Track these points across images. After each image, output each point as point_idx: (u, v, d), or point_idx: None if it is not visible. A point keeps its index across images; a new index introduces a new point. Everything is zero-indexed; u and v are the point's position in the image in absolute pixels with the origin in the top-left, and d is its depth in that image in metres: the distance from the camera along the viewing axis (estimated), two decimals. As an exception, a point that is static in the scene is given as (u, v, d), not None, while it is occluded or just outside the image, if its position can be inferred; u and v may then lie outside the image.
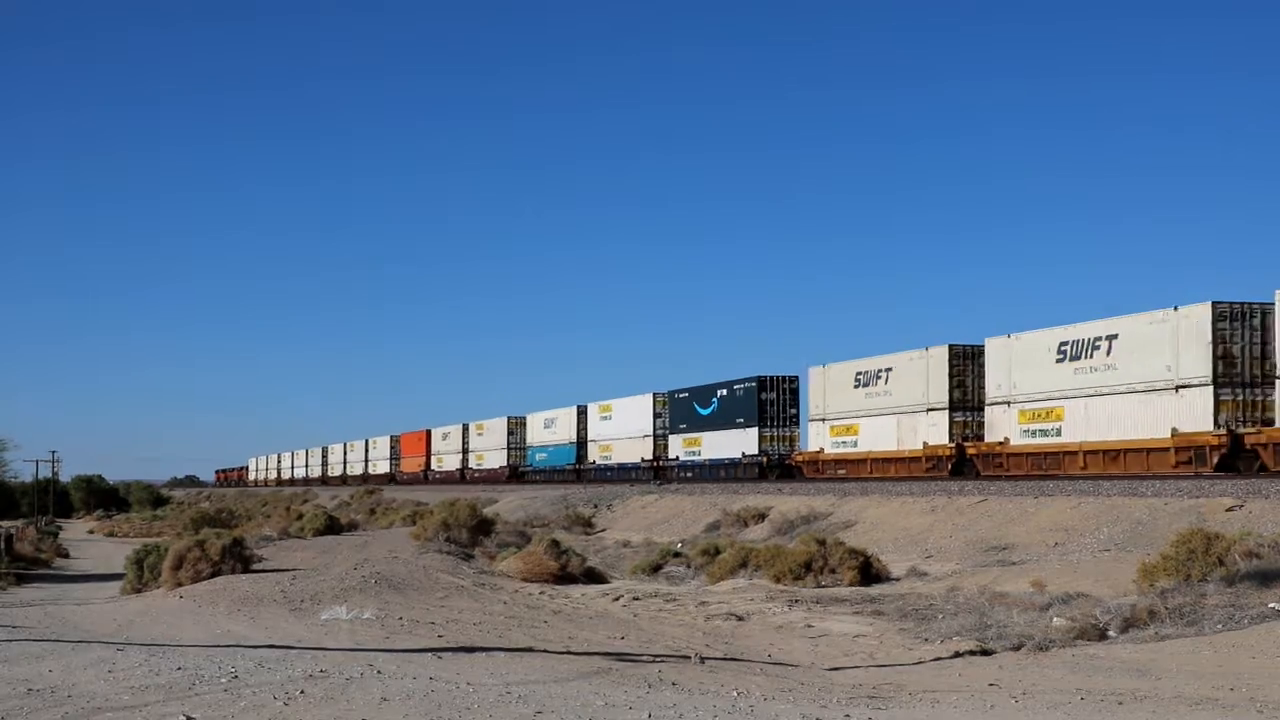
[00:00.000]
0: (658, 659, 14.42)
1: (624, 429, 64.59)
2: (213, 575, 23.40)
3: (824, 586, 22.50)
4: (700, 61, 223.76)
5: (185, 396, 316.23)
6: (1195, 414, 30.82)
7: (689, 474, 56.56)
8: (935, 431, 41.28)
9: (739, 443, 52.94)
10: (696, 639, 16.71)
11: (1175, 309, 31.82)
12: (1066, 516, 26.00)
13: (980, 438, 39.60)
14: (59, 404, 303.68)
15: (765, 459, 51.44)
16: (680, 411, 58.99)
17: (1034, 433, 36.60)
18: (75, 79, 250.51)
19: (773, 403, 51.85)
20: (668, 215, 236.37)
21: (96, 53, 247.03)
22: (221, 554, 24.04)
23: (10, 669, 12.01)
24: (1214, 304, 30.65)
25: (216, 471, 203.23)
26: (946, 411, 40.77)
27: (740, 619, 18.90)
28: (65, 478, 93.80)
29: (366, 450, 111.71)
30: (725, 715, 10.10)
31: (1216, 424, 30.29)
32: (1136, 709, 10.83)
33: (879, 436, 44.31)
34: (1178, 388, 31.38)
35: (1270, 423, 29.78)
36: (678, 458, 58.52)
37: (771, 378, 52.13)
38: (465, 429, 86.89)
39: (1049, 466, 35.81)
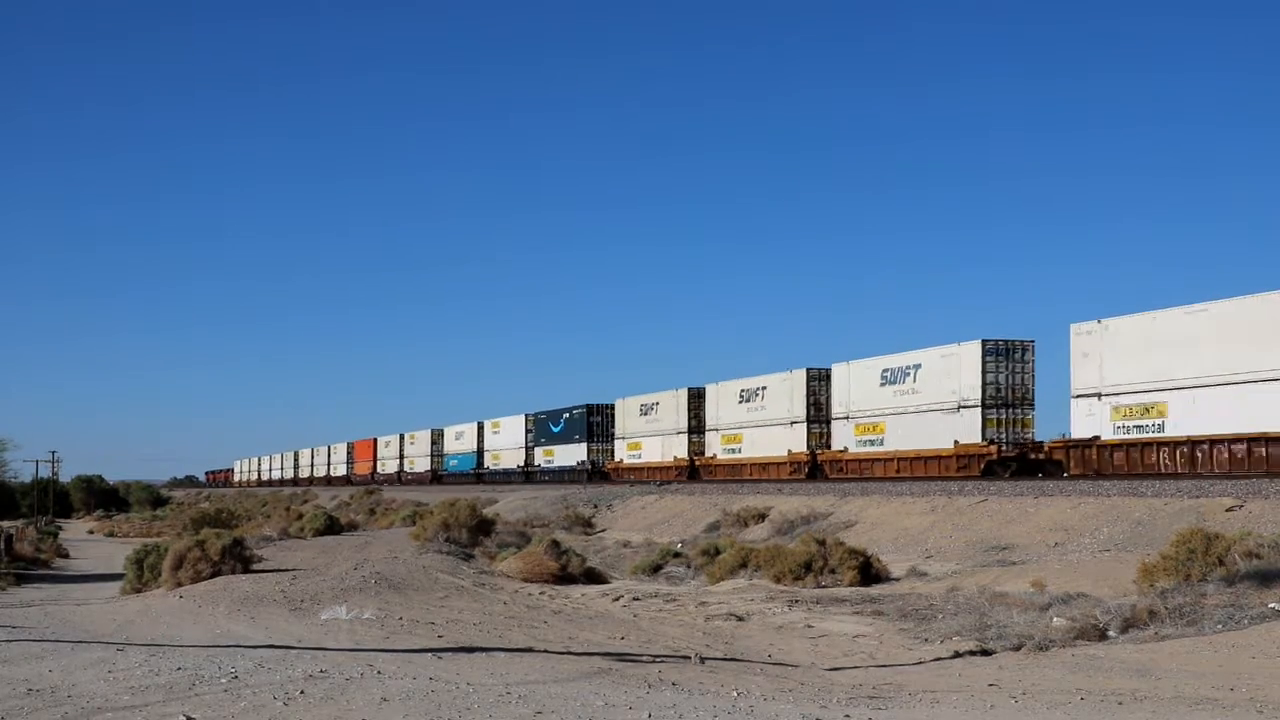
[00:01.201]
0: (658, 659, 14.42)
1: (507, 441, 79.23)
2: (213, 575, 23.40)
3: (824, 587, 22.50)
4: (697, 61, 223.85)
5: (185, 397, 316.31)
6: (799, 440, 47.98)
7: (546, 477, 71.68)
8: (681, 449, 57.57)
9: (575, 454, 68.91)
10: (696, 639, 16.71)
11: (790, 372, 48.88)
12: (1066, 516, 26.02)
13: (703, 453, 56.01)
14: (59, 404, 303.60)
15: (591, 466, 66.73)
16: (541, 429, 74.30)
17: (730, 450, 53.11)
18: (75, 79, 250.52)
19: (598, 424, 67.58)
20: (661, 216, 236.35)
21: (97, 52, 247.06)
22: (221, 554, 24.03)
23: (10, 669, 12.02)
24: (809, 370, 47.77)
25: (207, 473, 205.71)
26: (687, 434, 57.01)
27: (740, 619, 18.90)
28: (65, 478, 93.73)
29: (329, 455, 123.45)
30: (725, 715, 10.11)
31: (808, 447, 47.29)
32: (1136, 709, 10.84)
33: (653, 451, 60.60)
34: (791, 423, 48.45)
35: (829, 445, 46.62)
36: (540, 465, 73.96)
37: (597, 405, 67.92)
38: (401, 438, 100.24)
39: (737, 474, 51.40)
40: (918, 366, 41.06)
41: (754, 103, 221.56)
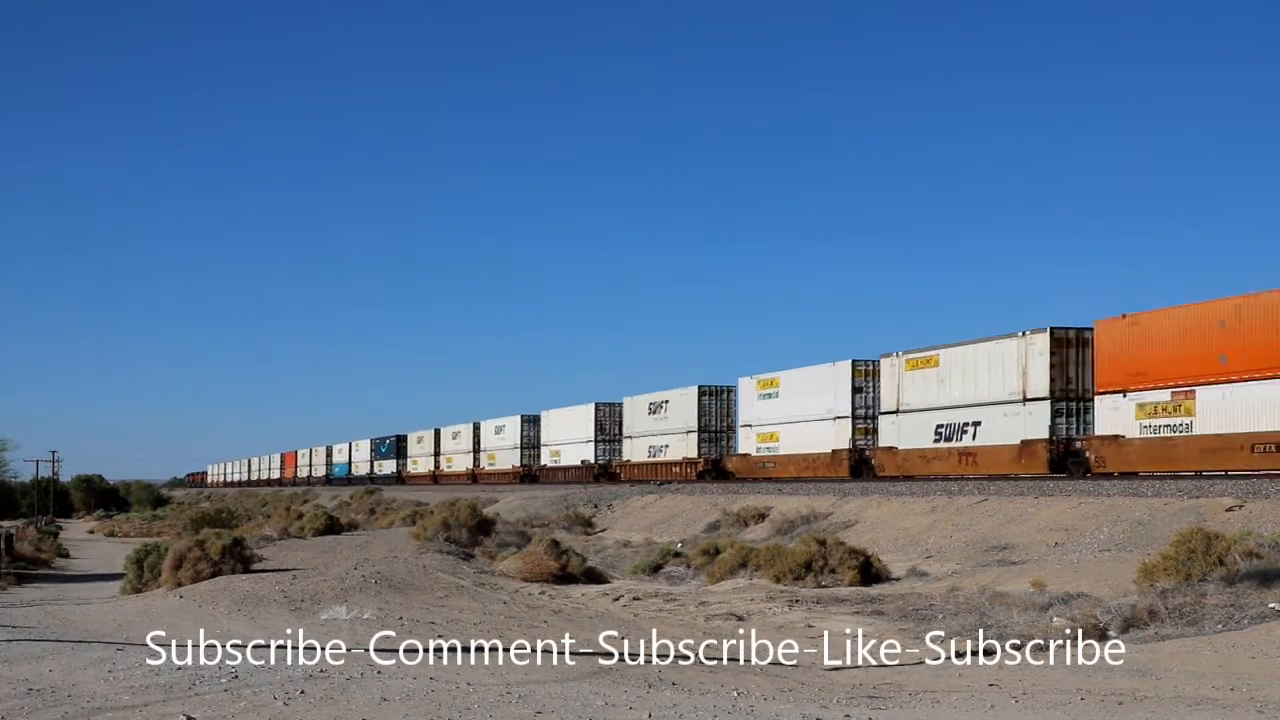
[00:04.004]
0: (658, 659, 14.41)
1: (362, 456, 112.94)
2: (213, 575, 23.38)
3: (824, 586, 22.50)
4: (694, 62, 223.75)
5: (185, 397, 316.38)
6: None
7: (380, 480, 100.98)
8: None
9: (390, 466, 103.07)
10: (696, 639, 16.71)
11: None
12: (1066, 516, 26.03)
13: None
14: (59, 404, 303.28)
15: (401, 473, 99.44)
16: (377, 449, 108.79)
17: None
18: (75, 79, 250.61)
19: (402, 447, 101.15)
20: (660, 216, 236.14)
21: (97, 51, 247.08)
22: (221, 554, 24.01)
23: (10, 669, 12.03)
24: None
25: (188, 474, 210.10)
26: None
27: (740, 619, 18.91)
28: (65, 478, 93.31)
29: (268, 462, 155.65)
30: (725, 715, 10.12)
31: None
32: (1136, 709, 10.84)
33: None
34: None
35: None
36: (376, 472, 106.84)
37: (400, 435, 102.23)
38: (311, 451, 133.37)
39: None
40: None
41: (754, 103, 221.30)
